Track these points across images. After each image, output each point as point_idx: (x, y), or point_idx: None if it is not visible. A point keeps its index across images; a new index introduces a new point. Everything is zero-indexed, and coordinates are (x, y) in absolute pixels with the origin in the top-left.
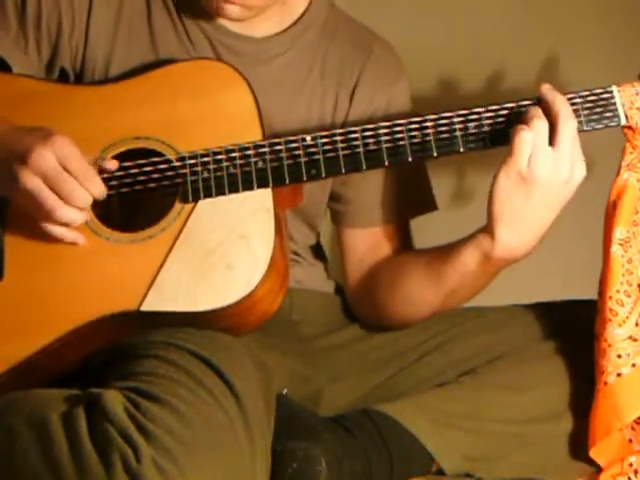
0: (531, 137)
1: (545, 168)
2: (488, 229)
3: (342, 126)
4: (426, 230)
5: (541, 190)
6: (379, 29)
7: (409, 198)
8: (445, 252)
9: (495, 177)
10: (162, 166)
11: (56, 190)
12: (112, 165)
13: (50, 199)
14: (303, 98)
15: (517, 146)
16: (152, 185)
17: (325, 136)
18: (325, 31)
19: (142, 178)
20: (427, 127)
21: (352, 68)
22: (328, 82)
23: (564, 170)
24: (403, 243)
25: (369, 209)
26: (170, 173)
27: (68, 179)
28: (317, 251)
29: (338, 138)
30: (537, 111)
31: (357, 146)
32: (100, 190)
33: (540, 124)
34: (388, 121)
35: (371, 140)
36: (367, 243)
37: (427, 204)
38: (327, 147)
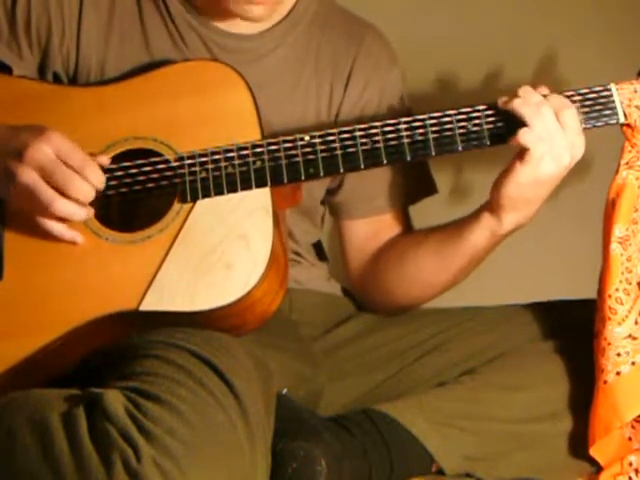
0: (547, 150)
1: (553, 167)
2: (495, 212)
3: (336, 117)
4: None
5: (549, 182)
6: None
7: (408, 184)
8: (453, 234)
9: (504, 181)
10: (160, 166)
11: (54, 183)
12: (104, 162)
13: (47, 192)
14: (299, 93)
15: (534, 158)
16: (150, 185)
17: (323, 135)
18: (316, 23)
19: (140, 178)
20: (425, 126)
21: (346, 59)
22: (323, 75)
23: (566, 159)
24: (404, 228)
25: (368, 198)
26: (168, 173)
27: (66, 171)
28: (318, 251)
29: (336, 137)
30: (543, 121)
31: (355, 145)
32: (99, 179)
33: (552, 131)
34: (381, 111)
35: (368, 139)
36: (368, 232)
37: (427, 188)
38: (325, 146)
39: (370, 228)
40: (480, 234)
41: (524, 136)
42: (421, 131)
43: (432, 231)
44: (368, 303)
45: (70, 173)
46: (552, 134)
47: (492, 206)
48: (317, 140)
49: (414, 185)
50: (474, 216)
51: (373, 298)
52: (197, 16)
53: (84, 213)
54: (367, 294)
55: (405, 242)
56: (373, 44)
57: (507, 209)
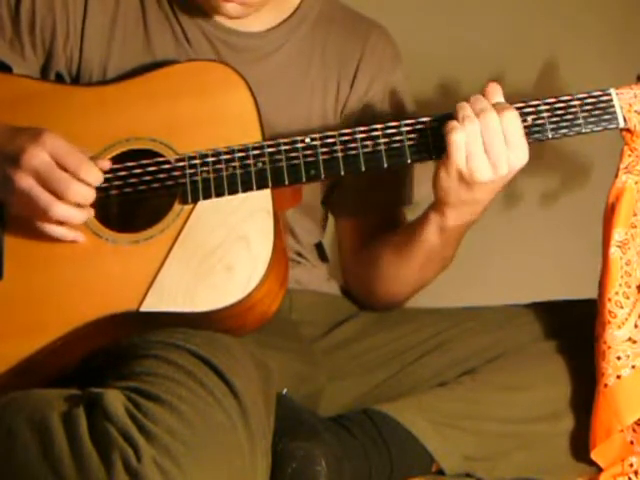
0: (464, 141)
1: (484, 172)
2: (438, 209)
3: (341, 114)
4: None
5: (483, 187)
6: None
7: (401, 186)
8: (407, 232)
9: (436, 171)
10: (161, 167)
11: (50, 187)
12: (105, 165)
13: (43, 197)
14: (305, 91)
15: (452, 151)
16: (151, 186)
17: (325, 137)
18: (320, 22)
19: (144, 178)
20: (425, 129)
21: (352, 57)
22: (329, 73)
23: (502, 169)
24: (391, 228)
25: (359, 198)
26: (169, 174)
27: (62, 175)
28: (319, 251)
29: (338, 139)
30: (466, 110)
31: (356, 148)
32: (96, 178)
33: (471, 126)
34: (384, 110)
35: (370, 142)
36: (357, 231)
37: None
38: (326, 148)
39: (359, 227)
40: (429, 230)
41: (451, 133)
42: (422, 134)
43: (398, 229)
44: (358, 300)
45: (66, 177)
46: (497, 145)
47: (435, 202)
48: (318, 142)
49: (408, 188)
50: (423, 214)
51: (363, 295)
52: (202, 14)
53: (84, 215)
54: (358, 292)
55: (377, 241)
56: (378, 42)
57: (445, 204)
